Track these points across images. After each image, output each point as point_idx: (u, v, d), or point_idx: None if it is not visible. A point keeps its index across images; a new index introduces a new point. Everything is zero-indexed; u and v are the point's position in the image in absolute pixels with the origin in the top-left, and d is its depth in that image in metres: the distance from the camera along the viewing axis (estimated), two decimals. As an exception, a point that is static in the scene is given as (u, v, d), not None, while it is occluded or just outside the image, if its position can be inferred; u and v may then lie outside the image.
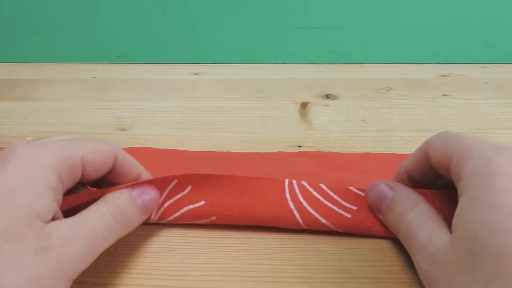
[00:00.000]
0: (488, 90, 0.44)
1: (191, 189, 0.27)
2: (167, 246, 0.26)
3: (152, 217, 0.27)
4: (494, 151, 0.21)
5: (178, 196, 0.27)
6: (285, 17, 0.48)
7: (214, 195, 0.27)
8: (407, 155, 0.32)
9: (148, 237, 0.27)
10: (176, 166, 0.32)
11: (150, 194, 0.25)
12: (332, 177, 0.31)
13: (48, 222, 0.20)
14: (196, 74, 0.48)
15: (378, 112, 0.40)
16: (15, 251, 0.18)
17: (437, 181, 0.26)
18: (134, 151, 0.33)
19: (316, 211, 0.26)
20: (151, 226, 0.27)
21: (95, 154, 0.24)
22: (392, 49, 0.50)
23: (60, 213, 0.22)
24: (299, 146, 0.36)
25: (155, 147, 0.34)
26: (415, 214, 0.24)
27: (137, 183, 0.25)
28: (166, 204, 0.27)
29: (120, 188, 0.25)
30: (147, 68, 0.49)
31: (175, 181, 0.27)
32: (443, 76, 0.47)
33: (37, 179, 0.21)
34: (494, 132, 0.38)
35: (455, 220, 0.21)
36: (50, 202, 0.21)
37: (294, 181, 0.27)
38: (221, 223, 0.27)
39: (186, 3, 0.48)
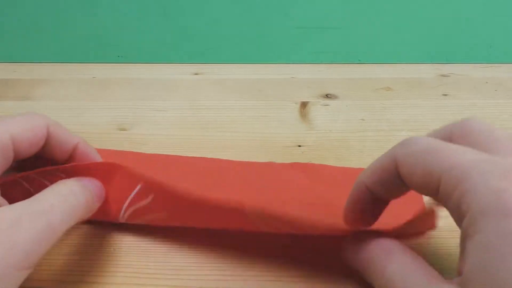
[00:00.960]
0: (488, 90, 0.44)
1: (152, 199, 0.26)
2: (167, 245, 0.26)
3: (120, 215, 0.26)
4: (501, 178, 0.17)
5: (139, 205, 0.26)
6: (285, 17, 0.48)
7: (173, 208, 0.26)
8: None
9: (148, 237, 0.27)
10: (162, 172, 0.32)
11: (97, 186, 0.24)
12: (320, 193, 0.30)
13: None
14: (196, 74, 0.48)
15: (378, 112, 0.40)
16: None
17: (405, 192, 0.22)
18: (121, 155, 0.33)
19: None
20: (150, 225, 0.27)
21: (26, 131, 0.23)
22: (392, 49, 0.50)
23: (1, 200, 0.22)
24: (299, 146, 0.36)
25: (147, 152, 0.34)
26: (393, 270, 0.20)
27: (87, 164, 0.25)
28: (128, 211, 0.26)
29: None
30: (147, 68, 0.49)
31: (139, 186, 0.26)
32: (443, 76, 0.47)
33: None
34: (494, 132, 0.38)
35: (468, 269, 0.17)
36: None
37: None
38: (172, 222, 0.26)
39: (186, 3, 0.48)
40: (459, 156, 0.18)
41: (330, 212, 0.28)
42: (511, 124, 0.39)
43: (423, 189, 0.19)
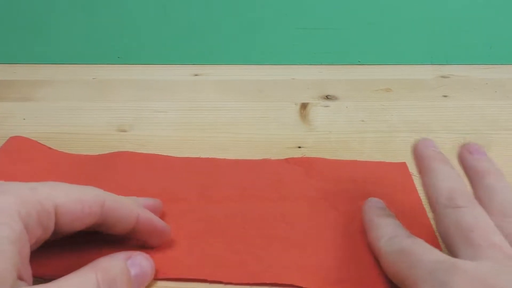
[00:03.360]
0: (488, 91, 0.44)
1: None
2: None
3: None
4: (444, 272, 0.19)
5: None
6: (285, 18, 0.48)
7: None
8: (390, 163, 0.32)
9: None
10: (161, 173, 0.32)
11: (145, 268, 0.22)
12: (317, 185, 0.31)
13: (12, 282, 0.17)
14: (196, 75, 0.48)
15: (378, 113, 0.40)
16: None
17: None
18: (117, 156, 0.33)
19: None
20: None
21: (74, 203, 0.20)
22: (392, 50, 0.50)
23: (27, 270, 0.19)
24: (299, 147, 0.36)
25: (146, 153, 0.34)
26: None
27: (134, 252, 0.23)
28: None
29: (114, 253, 0.22)
30: (147, 69, 0.49)
31: None
32: (443, 77, 0.47)
33: None
34: (494, 133, 0.38)
35: None
36: (11, 258, 0.17)
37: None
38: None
39: (186, 4, 0.48)
40: (417, 258, 0.21)
41: (328, 206, 0.29)
42: (511, 125, 0.39)
43: (398, 285, 0.22)
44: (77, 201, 0.21)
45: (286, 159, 0.34)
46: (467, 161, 0.25)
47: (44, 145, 0.35)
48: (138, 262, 0.22)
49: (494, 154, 0.35)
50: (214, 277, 0.24)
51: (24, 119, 0.40)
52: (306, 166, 0.33)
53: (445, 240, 0.22)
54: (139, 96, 0.43)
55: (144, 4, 0.48)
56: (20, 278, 0.18)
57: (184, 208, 0.29)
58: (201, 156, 0.34)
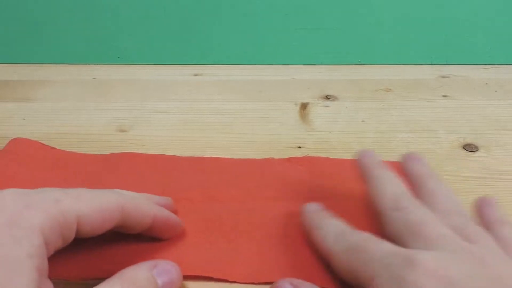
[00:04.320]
0: (488, 91, 0.44)
1: None
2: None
3: None
4: (400, 267, 0.20)
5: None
6: (285, 18, 0.48)
7: None
8: (391, 162, 0.32)
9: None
10: (163, 172, 0.32)
11: (171, 275, 0.22)
12: (319, 185, 0.31)
13: None
14: (196, 75, 0.48)
15: (378, 113, 0.40)
16: None
17: None
18: (120, 157, 0.33)
19: None
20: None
21: (95, 212, 0.21)
22: (392, 50, 0.50)
23: (46, 284, 0.19)
24: (299, 147, 0.36)
25: (147, 153, 0.34)
26: None
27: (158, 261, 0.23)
28: None
29: (139, 263, 0.22)
30: (147, 69, 0.49)
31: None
32: (443, 77, 0.47)
33: (16, 250, 0.18)
34: (494, 133, 0.38)
35: None
36: (28, 274, 0.18)
37: None
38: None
39: (186, 4, 0.47)
40: (370, 254, 0.21)
41: (330, 205, 0.28)
42: (511, 126, 0.39)
43: (348, 281, 0.22)
44: (99, 210, 0.21)
45: (288, 158, 0.34)
46: (409, 168, 0.27)
47: (47, 145, 0.35)
48: (164, 270, 0.22)
49: (494, 154, 0.35)
50: (220, 275, 0.24)
51: (24, 119, 0.40)
52: (309, 166, 0.33)
53: (396, 241, 0.22)
54: (139, 96, 0.43)
55: (144, 4, 0.48)
56: None
57: (188, 207, 0.29)
58: (202, 156, 0.34)
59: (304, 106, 0.42)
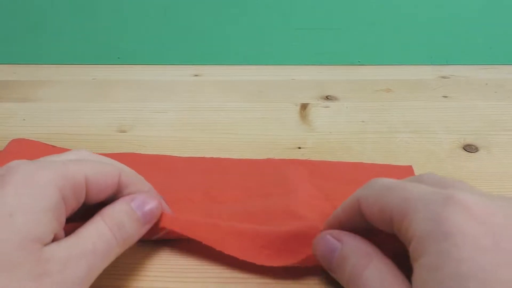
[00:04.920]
0: (488, 92, 0.44)
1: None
2: (167, 248, 0.26)
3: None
4: (440, 204, 0.18)
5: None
6: (285, 18, 0.48)
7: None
8: (395, 166, 0.32)
9: (148, 239, 0.27)
10: (164, 172, 0.32)
11: (150, 205, 0.24)
12: (320, 186, 0.31)
13: (48, 244, 0.20)
14: (196, 75, 0.48)
15: (378, 114, 0.40)
16: (12, 279, 0.18)
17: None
18: (121, 157, 0.33)
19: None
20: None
21: (99, 175, 0.22)
22: (392, 50, 0.50)
23: (62, 233, 0.21)
24: (299, 148, 0.36)
25: (147, 153, 0.34)
26: (371, 275, 0.20)
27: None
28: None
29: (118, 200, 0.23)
30: (147, 69, 0.49)
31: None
32: (443, 77, 0.47)
33: (37, 200, 0.20)
34: (494, 134, 0.38)
35: None
36: (50, 223, 0.20)
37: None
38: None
39: (186, 4, 0.48)
40: (408, 191, 0.20)
41: (330, 206, 0.29)
42: (511, 126, 0.39)
43: (381, 225, 0.21)
44: (102, 173, 0.23)
45: (291, 160, 0.34)
46: None
47: (48, 144, 0.35)
48: (142, 202, 0.24)
49: (494, 155, 0.35)
50: (209, 242, 0.25)
51: (24, 119, 0.40)
52: (310, 168, 0.33)
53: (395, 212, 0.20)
54: (139, 96, 0.43)
55: (144, 4, 0.48)
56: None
57: (188, 207, 0.29)
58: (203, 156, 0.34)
59: (304, 106, 0.42)
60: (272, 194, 0.30)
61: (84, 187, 0.22)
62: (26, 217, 0.19)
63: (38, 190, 0.20)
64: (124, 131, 0.38)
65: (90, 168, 0.22)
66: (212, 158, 0.34)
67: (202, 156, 0.34)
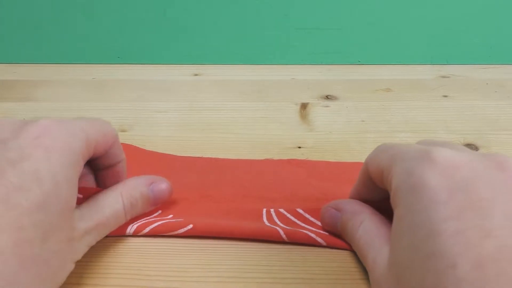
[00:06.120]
0: (488, 91, 0.44)
1: (172, 217, 0.27)
2: (168, 247, 0.26)
3: (128, 230, 0.26)
4: (415, 160, 0.19)
5: (160, 222, 0.27)
6: (285, 18, 0.48)
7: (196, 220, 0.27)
8: None
9: (149, 239, 0.27)
10: (162, 170, 0.32)
11: (162, 186, 0.27)
12: (318, 186, 0.31)
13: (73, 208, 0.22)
14: (196, 75, 0.48)
15: (378, 113, 0.40)
16: (57, 240, 0.20)
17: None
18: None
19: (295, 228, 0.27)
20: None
21: (102, 136, 0.24)
22: (392, 50, 0.50)
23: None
24: (299, 147, 0.36)
25: (146, 148, 0.35)
26: (362, 233, 0.23)
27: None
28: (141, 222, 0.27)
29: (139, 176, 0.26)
30: (147, 69, 0.49)
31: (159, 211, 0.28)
32: (443, 77, 0.47)
33: (73, 169, 0.21)
34: (494, 133, 0.38)
35: (390, 242, 0.20)
36: (76, 189, 0.22)
37: (272, 209, 0.28)
38: (198, 233, 0.27)
39: (186, 4, 0.48)
40: (396, 149, 0.22)
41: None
42: (511, 125, 0.39)
43: (378, 181, 0.23)
44: (104, 134, 0.24)
45: (288, 160, 0.34)
46: None
47: None
48: (158, 187, 0.27)
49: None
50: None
51: (24, 119, 0.40)
52: (309, 168, 0.33)
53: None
54: (139, 96, 0.43)
55: (144, 4, 0.48)
56: None
57: (184, 207, 0.29)
58: (201, 156, 0.34)
59: (304, 106, 0.42)
60: (268, 198, 0.30)
61: (93, 146, 0.23)
62: (67, 185, 0.21)
63: (73, 158, 0.21)
64: (124, 131, 0.38)
65: (97, 129, 0.24)
66: (209, 158, 0.34)
67: (202, 155, 0.34)
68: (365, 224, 0.23)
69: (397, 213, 0.19)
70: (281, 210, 0.28)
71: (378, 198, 0.25)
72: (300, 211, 0.28)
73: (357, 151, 0.35)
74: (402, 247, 0.18)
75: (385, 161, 0.22)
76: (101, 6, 0.48)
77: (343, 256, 0.25)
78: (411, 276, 0.17)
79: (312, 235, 0.26)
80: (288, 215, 0.28)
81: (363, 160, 0.34)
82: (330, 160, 0.34)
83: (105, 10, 0.48)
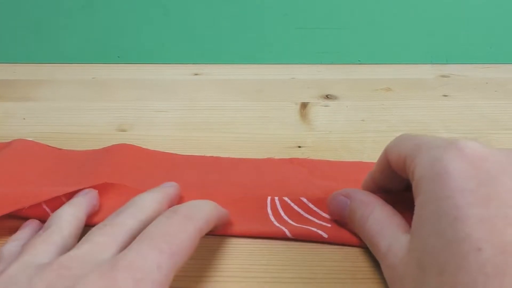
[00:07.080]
0: (488, 91, 0.44)
1: None
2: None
3: None
4: (441, 149, 0.20)
5: None
6: (285, 17, 0.48)
7: None
8: None
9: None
10: (163, 169, 0.32)
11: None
12: (319, 185, 0.31)
13: None
14: (196, 74, 0.48)
15: (378, 113, 0.40)
16: None
17: (405, 186, 0.25)
18: (121, 148, 0.33)
19: (298, 224, 0.27)
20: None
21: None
22: (392, 49, 0.50)
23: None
24: (299, 147, 0.36)
25: (147, 148, 0.35)
26: (373, 221, 0.23)
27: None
28: None
29: None
30: (147, 68, 0.49)
31: None
32: (443, 76, 0.47)
33: None
34: (494, 133, 0.38)
35: (411, 229, 0.20)
36: None
37: (276, 198, 0.28)
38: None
39: (186, 3, 0.48)
40: (420, 139, 0.22)
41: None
42: (511, 125, 0.39)
43: (399, 170, 0.23)
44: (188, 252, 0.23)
45: (290, 159, 0.34)
46: None
47: (48, 145, 0.35)
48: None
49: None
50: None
51: (24, 119, 0.40)
52: (310, 167, 0.33)
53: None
54: (139, 95, 0.43)
55: (144, 4, 0.48)
56: None
57: None
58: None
59: (304, 105, 0.42)
60: (270, 195, 0.30)
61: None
62: None
63: None
64: (124, 130, 0.38)
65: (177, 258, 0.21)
66: (211, 156, 0.34)
67: (202, 155, 0.34)
68: (376, 213, 0.23)
69: (420, 200, 0.19)
70: (285, 198, 0.28)
71: (395, 186, 0.25)
72: (304, 200, 0.28)
73: (357, 151, 0.35)
74: (426, 233, 0.18)
75: (409, 150, 0.22)
76: (101, 6, 0.48)
77: (344, 256, 0.25)
78: (433, 260, 0.17)
79: (314, 228, 0.26)
80: (292, 204, 0.28)
81: (363, 160, 0.34)
82: (330, 160, 0.34)
83: (105, 9, 0.48)
